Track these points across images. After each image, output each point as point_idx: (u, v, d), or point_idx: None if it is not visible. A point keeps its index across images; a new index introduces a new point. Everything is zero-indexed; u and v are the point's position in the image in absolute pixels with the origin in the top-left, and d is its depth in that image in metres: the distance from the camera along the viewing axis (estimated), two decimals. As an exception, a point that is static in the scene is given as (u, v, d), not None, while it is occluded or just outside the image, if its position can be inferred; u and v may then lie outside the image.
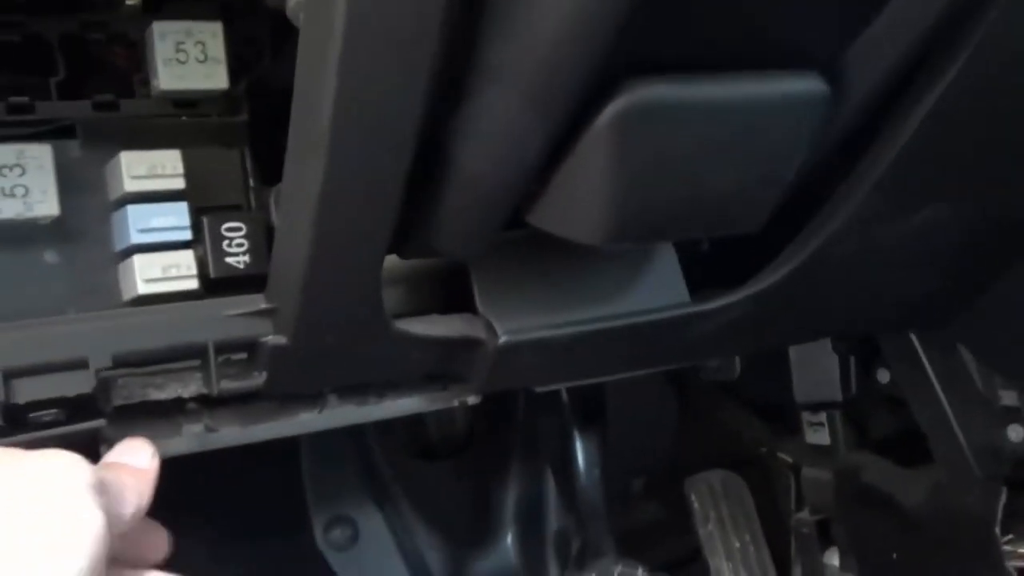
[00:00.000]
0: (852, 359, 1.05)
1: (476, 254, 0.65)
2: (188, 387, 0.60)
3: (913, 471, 1.03)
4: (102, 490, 0.49)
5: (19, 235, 0.57)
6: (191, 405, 0.63)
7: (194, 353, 0.59)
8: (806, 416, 1.12)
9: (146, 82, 0.59)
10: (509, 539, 1.26)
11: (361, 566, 1.20)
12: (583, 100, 0.52)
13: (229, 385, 0.60)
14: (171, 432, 0.62)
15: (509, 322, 0.65)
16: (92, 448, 0.60)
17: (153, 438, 0.59)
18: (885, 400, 1.05)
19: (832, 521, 1.13)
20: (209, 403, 0.63)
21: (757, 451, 1.22)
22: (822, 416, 1.10)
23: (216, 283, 0.60)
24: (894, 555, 1.04)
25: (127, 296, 0.59)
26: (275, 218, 0.61)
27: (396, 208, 0.54)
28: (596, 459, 1.22)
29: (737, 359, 1.07)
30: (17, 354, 0.54)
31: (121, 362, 0.56)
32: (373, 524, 1.21)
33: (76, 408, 0.57)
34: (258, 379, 0.61)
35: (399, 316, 0.63)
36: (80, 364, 0.55)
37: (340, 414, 0.68)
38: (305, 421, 0.67)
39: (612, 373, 0.79)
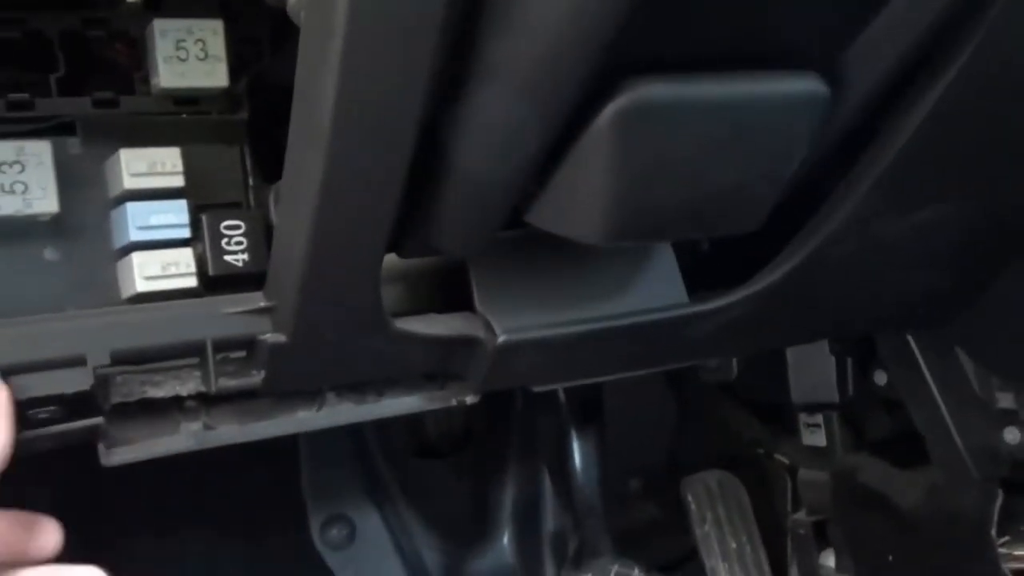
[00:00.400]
0: (849, 361, 1.05)
1: (475, 253, 0.65)
2: (186, 385, 0.60)
3: (910, 473, 1.03)
4: None
5: (18, 232, 0.57)
6: (189, 403, 0.63)
7: (192, 351, 0.59)
8: (803, 417, 1.12)
9: (146, 79, 0.59)
10: (506, 538, 1.26)
11: (358, 565, 1.20)
12: (583, 99, 0.52)
13: (227, 383, 0.60)
14: (169, 430, 0.62)
15: (508, 321, 0.65)
16: (91, 445, 0.61)
17: (151, 436, 0.59)
18: (882, 402, 1.06)
19: (828, 522, 1.13)
20: (207, 401, 0.63)
21: (754, 452, 1.22)
22: (819, 417, 1.11)
23: (215, 281, 0.60)
24: (890, 556, 1.04)
25: (126, 293, 0.59)
26: (274, 216, 0.61)
27: (395, 206, 0.54)
28: (593, 459, 1.22)
29: (735, 360, 1.07)
30: (15, 351, 0.54)
31: (119, 359, 0.56)
32: (370, 523, 1.21)
33: (74, 405, 0.57)
34: (256, 377, 0.61)
35: (398, 315, 0.63)
36: (78, 361, 0.55)
37: (338, 413, 0.68)
38: (303, 419, 0.67)
39: (610, 373, 0.79)
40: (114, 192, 0.59)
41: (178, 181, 0.59)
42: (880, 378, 1.03)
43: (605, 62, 0.50)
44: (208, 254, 0.59)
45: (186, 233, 0.59)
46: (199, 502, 1.06)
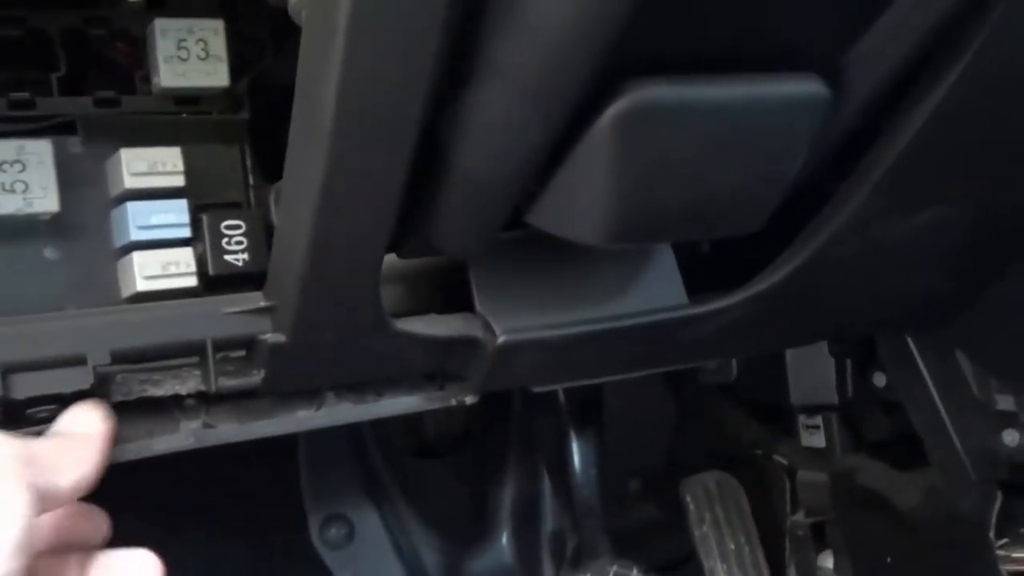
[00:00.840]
0: (848, 362, 1.05)
1: (475, 254, 0.65)
2: (186, 384, 0.60)
3: (908, 474, 1.03)
4: (31, 463, 0.48)
5: (19, 231, 0.57)
6: (189, 401, 0.63)
7: (192, 350, 0.59)
8: (802, 419, 1.12)
9: (147, 79, 0.59)
10: (505, 538, 1.26)
11: (357, 564, 1.20)
12: (584, 100, 0.52)
13: (227, 382, 0.60)
14: (169, 429, 0.62)
15: (507, 322, 0.65)
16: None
17: (151, 434, 0.59)
18: (881, 403, 1.05)
19: (827, 524, 1.13)
20: (207, 400, 0.63)
21: (753, 453, 1.22)
22: (818, 419, 1.10)
23: (215, 280, 0.60)
24: (889, 558, 1.04)
25: (126, 293, 0.59)
26: (275, 216, 0.61)
27: (396, 206, 0.54)
28: (592, 459, 1.22)
29: (734, 361, 1.07)
30: (16, 350, 0.54)
31: (119, 359, 0.56)
32: (369, 522, 1.21)
33: (74, 404, 0.57)
34: (256, 377, 0.61)
35: (398, 315, 0.63)
36: (78, 360, 0.55)
37: (338, 412, 0.68)
38: (303, 419, 0.67)
39: (610, 374, 0.79)
40: (115, 191, 0.59)
41: (179, 181, 0.59)
42: (879, 380, 1.03)
43: (607, 63, 0.50)
44: (208, 254, 0.59)
45: (186, 233, 0.59)
46: (198, 501, 1.06)
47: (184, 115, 0.61)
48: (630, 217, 0.57)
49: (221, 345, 0.59)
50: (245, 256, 0.60)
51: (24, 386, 0.54)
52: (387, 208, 0.54)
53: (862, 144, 0.68)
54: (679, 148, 0.55)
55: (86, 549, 0.56)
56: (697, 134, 0.55)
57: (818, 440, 1.11)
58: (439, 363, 0.68)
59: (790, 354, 1.07)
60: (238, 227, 0.60)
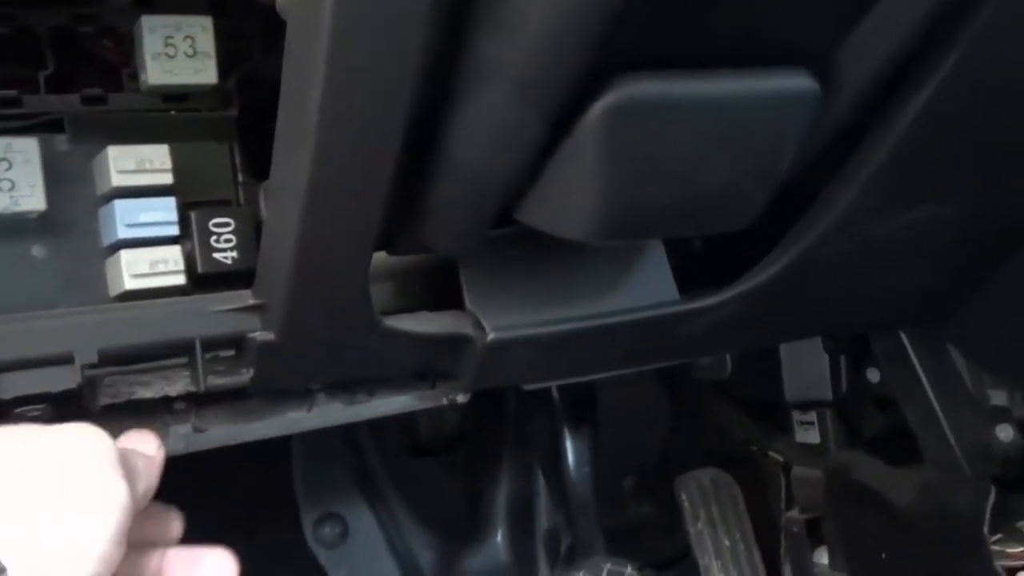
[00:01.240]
0: (843, 358, 1.05)
1: (466, 252, 0.65)
2: (175, 384, 0.60)
3: (903, 470, 1.03)
4: (124, 463, 0.50)
5: (5, 229, 0.57)
6: (179, 405, 0.63)
7: (181, 349, 0.59)
8: (796, 415, 1.12)
9: (135, 76, 0.59)
10: (499, 536, 1.26)
11: (351, 563, 1.20)
12: (574, 95, 0.52)
13: (216, 381, 0.60)
14: (158, 433, 0.62)
15: (498, 319, 0.65)
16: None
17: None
18: (875, 399, 1.05)
19: (822, 520, 1.13)
20: (197, 402, 0.63)
21: (748, 450, 1.22)
22: (812, 415, 1.10)
23: (204, 279, 0.60)
24: (883, 554, 1.04)
25: (114, 291, 0.59)
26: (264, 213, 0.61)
27: (384, 203, 0.54)
28: (586, 457, 1.22)
29: (728, 357, 1.07)
30: (2, 348, 0.54)
31: (107, 358, 0.56)
32: (363, 521, 1.21)
33: (62, 404, 0.56)
34: (245, 375, 0.61)
35: (388, 313, 0.63)
36: (66, 359, 0.55)
37: (329, 413, 0.68)
38: (294, 420, 0.67)
39: (601, 371, 0.78)
40: (102, 189, 0.58)
41: (167, 178, 0.58)
42: (873, 375, 1.03)
43: (595, 59, 0.49)
44: (197, 252, 0.59)
45: (175, 231, 0.59)
46: (190, 501, 1.06)
47: (172, 112, 0.61)
48: (619, 214, 0.57)
49: (210, 344, 0.59)
50: (234, 254, 0.60)
51: (11, 385, 0.54)
52: (374, 205, 0.53)
53: (853, 141, 0.67)
54: (667, 144, 0.55)
55: (164, 545, 0.58)
56: (685, 130, 0.55)
57: (812, 436, 1.11)
58: (430, 361, 0.68)
59: (784, 350, 1.07)
60: (227, 225, 0.60)
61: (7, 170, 0.56)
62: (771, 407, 1.15)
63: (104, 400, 0.58)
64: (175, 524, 0.60)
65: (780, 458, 1.17)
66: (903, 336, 0.95)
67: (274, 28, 0.55)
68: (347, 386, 0.69)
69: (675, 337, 0.74)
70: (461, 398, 0.71)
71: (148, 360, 0.59)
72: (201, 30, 0.58)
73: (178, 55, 0.58)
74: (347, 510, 1.20)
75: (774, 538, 1.18)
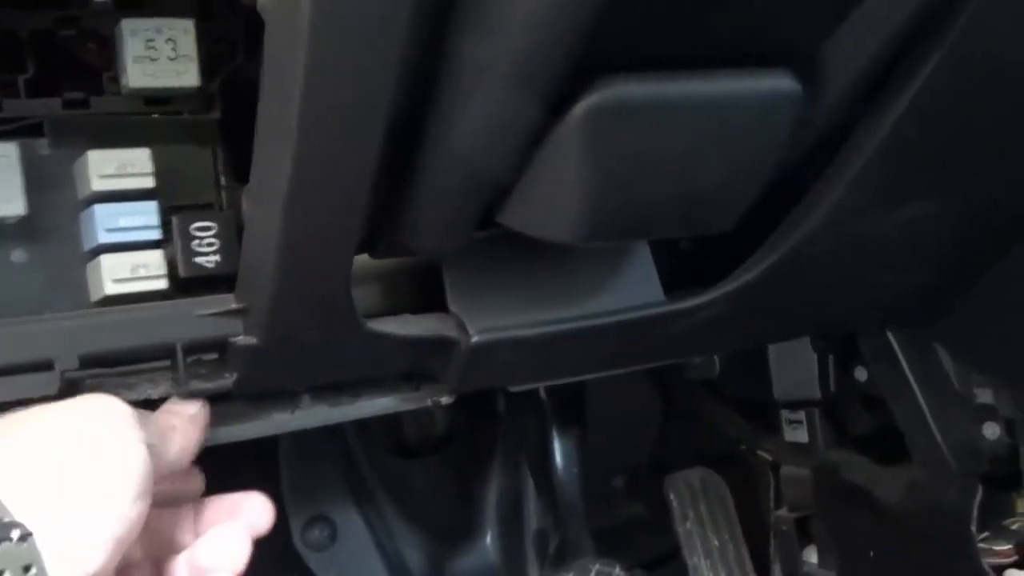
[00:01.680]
0: (831, 357, 1.05)
1: (449, 255, 0.65)
2: (158, 387, 0.60)
3: (891, 469, 1.03)
4: (146, 427, 0.54)
5: (-15, 234, 0.57)
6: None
7: (163, 353, 0.59)
8: (785, 414, 1.12)
9: (116, 79, 0.59)
10: (489, 537, 1.26)
11: (340, 566, 1.19)
12: (556, 96, 0.52)
13: (200, 386, 0.60)
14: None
15: (481, 321, 0.65)
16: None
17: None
18: (863, 398, 1.05)
19: (811, 518, 1.13)
20: (180, 405, 0.63)
21: (737, 449, 1.22)
22: (801, 414, 1.10)
23: (186, 283, 0.59)
24: (872, 552, 1.04)
25: (95, 296, 0.58)
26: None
27: (365, 205, 0.53)
28: (575, 457, 1.22)
29: (716, 357, 1.07)
30: (-19, 355, 0.54)
31: (88, 363, 0.56)
32: (352, 523, 1.20)
33: None
34: (229, 379, 0.61)
35: (372, 315, 0.63)
36: (45, 365, 0.54)
37: (314, 414, 0.68)
38: (278, 422, 0.67)
39: (587, 372, 0.78)
40: (83, 194, 0.58)
41: (148, 182, 0.58)
42: (861, 374, 1.03)
43: (578, 59, 0.49)
44: (179, 256, 0.59)
45: (156, 235, 0.58)
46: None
47: (154, 116, 0.60)
48: (601, 215, 0.57)
49: (192, 348, 0.59)
50: (217, 258, 0.60)
51: (-10, 391, 0.54)
52: (356, 205, 0.53)
53: (840, 140, 0.67)
54: (650, 145, 0.55)
55: (192, 500, 0.63)
56: (667, 131, 0.55)
57: (801, 435, 1.10)
58: (414, 363, 0.67)
59: (773, 349, 1.07)
60: (209, 228, 0.60)
61: (-14, 175, 0.55)
62: (760, 406, 1.15)
63: (87, 404, 0.58)
64: (199, 479, 0.65)
65: (769, 457, 1.17)
66: (890, 335, 0.95)
67: (258, 31, 0.55)
68: (332, 388, 0.69)
69: (661, 338, 0.74)
70: (445, 400, 0.71)
71: (130, 364, 0.59)
72: (183, 33, 0.58)
73: (160, 58, 0.58)
74: (335, 512, 1.20)
75: (763, 537, 1.18)
